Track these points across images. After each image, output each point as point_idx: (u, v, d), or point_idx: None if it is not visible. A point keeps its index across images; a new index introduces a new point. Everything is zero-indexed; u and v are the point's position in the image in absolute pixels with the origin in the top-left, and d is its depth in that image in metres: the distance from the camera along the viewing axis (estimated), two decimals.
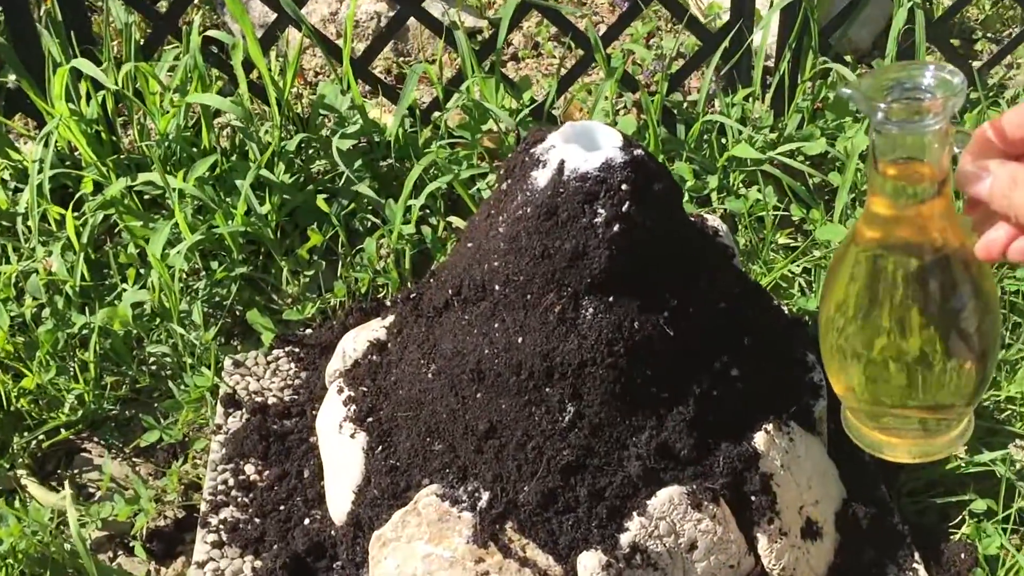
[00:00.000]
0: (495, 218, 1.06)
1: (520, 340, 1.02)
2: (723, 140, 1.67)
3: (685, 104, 1.71)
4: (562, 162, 1.01)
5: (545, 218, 1.00)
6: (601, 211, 0.99)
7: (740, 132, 1.59)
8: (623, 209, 0.99)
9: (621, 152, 1.01)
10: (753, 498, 1.03)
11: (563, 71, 1.72)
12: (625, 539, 0.99)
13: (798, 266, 1.47)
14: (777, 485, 1.05)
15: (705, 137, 1.66)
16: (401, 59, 2.10)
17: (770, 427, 1.07)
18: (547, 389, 1.02)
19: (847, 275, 0.71)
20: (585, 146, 1.02)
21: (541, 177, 1.01)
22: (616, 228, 0.99)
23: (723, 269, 1.14)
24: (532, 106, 1.66)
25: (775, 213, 1.52)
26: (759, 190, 1.53)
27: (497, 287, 1.04)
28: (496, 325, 1.04)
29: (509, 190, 1.05)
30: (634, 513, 1.00)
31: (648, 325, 1.01)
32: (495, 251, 1.04)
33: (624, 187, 0.99)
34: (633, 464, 1.01)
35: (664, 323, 1.02)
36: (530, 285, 1.02)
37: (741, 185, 1.61)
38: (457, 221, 1.58)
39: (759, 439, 1.05)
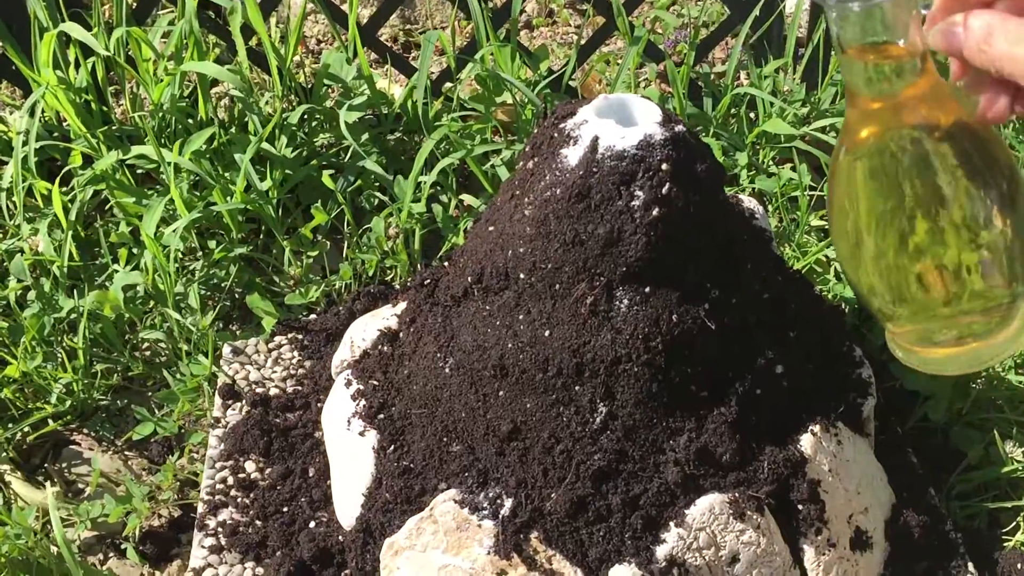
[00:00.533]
0: (520, 200, 0.96)
1: (547, 333, 0.93)
2: (752, 115, 1.57)
3: (712, 76, 1.61)
4: (595, 139, 0.91)
5: (576, 200, 0.91)
6: (639, 193, 0.90)
7: (772, 105, 1.49)
8: (663, 191, 0.90)
9: (661, 128, 0.91)
10: (800, 507, 0.95)
11: (580, 40, 1.62)
12: (661, 552, 0.91)
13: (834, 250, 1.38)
14: (825, 492, 0.96)
15: (733, 111, 1.56)
16: (407, 27, 1.99)
17: (817, 428, 0.98)
18: (577, 387, 0.93)
19: (855, 190, 0.65)
20: (620, 121, 0.93)
21: (572, 155, 0.92)
22: (655, 212, 0.90)
23: (764, 256, 1.05)
24: (549, 77, 1.56)
25: (809, 193, 1.42)
26: (792, 168, 1.44)
27: (522, 275, 0.95)
28: (521, 317, 0.95)
29: (536, 169, 0.95)
30: (671, 523, 0.92)
31: (688, 318, 0.92)
32: (520, 236, 0.95)
33: (664, 167, 0.90)
34: (671, 470, 0.92)
35: (705, 316, 0.93)
36: (559, 273, 0.93)
37: (771, 163, 1.51)
38: (469, 199, 1.49)
39: (805, 442, 0.97)
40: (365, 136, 1.53)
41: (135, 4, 1.55)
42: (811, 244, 1.41)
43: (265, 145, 1.45)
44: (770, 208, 1.45)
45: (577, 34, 1.94)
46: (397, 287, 1.38)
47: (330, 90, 1.61)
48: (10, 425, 1.25)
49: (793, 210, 1.45)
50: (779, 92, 1.55)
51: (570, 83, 1.58)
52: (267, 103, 1.57)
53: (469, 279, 1.00)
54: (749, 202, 1.21)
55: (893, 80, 0.62)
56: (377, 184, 1.52)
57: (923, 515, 1.04)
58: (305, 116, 1.55)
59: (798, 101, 1.54)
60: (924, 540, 1.03)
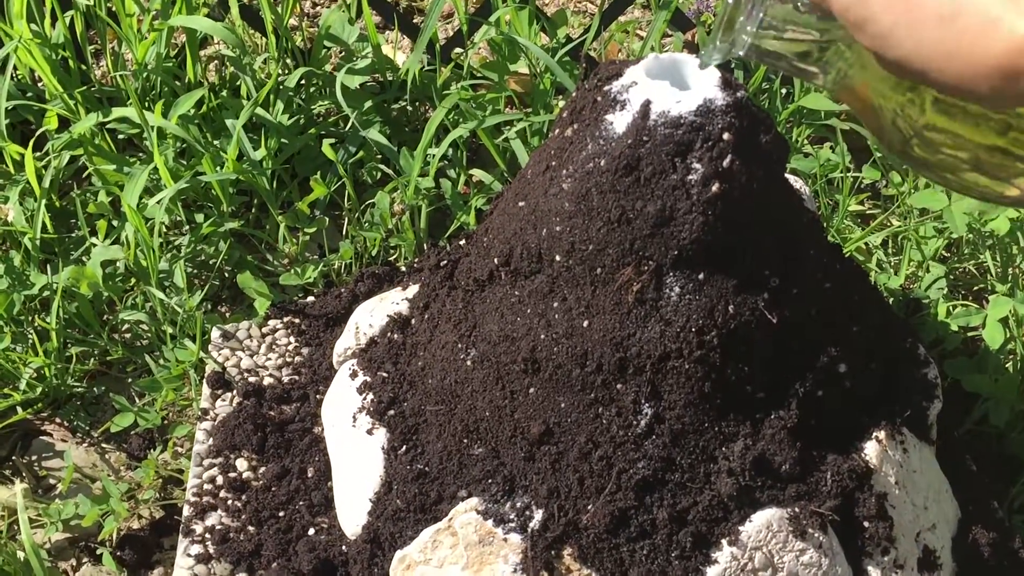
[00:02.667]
0: (556, 172, 0.85)
1: (586, 324, 0.82)
2: (784, 90, 1.46)
3: None
4: (647, 103, 0.80)
5: (624, 173, 0.80)
6: (696, 166, 0.79)
7: None
8: (724, 164, 0.79)
9: (722, 93, 0.80)
10: (867, 524, 0.84)
11: (596, 6, 1.50)
12: (712, 574, 0.80)
13: (878, 237, 1.27)
14: (892, 507, 0.86)
15: (765, 86, 1.45)
16: None
17: (882, 435, 0.88)
18: (619, 386, 0.82)
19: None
20: (674, 84, 0.82)
21: (619, 121, 0.81)
22: (714, 188, 0.78)
23: (822, 241, 0.94)
24: (568, 45, 1.44)
25: (853, 175, 1.32)
26: (832, 147, 1.33)
27: (558, 257, 0.83)
28: (556, 304, 0.84)
29: (576, 137, 0.84)
30: (724, 541, 0.81)
31: (746, 310, 0.81)
32: (557, 213, 0.83)
33: (726, 137, 0.79)
34: (724, 480, 0.81)
35: (764, 307, 0.82)
36: (601, 256, 0.81)
37: (806, 142, 1.41)
38: (480, 174, 1.37)
39: (870, 450, 0.86)
40: (368, 104, 1.41)
41: None
42: (852, 231, 1.30)
43: (259, 111, 1.33)
44: (809, 192, 1.34)
45: (593, 2, 1.82)
46: (403, 268, 1.26)
47: (331, 54, 1.48)
48: None
49: (830, 192, 1.34)
50: None
51: (590, 52, 1.47)
52: (262, 65, 1.45)
53: (495, 261, 0.89)
54: (795, 182, 1.11)
55: None
56: (380, 156, 1.40)
57: (991, 531, 0.94)
58: (303, 81, 1.43)
59: None
60: (994, 559, 0.93)
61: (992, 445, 1.10)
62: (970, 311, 1.15)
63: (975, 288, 1.28)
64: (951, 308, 1.17)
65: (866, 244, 1.29)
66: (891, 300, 1.21)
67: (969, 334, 1.17)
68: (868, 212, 1.36)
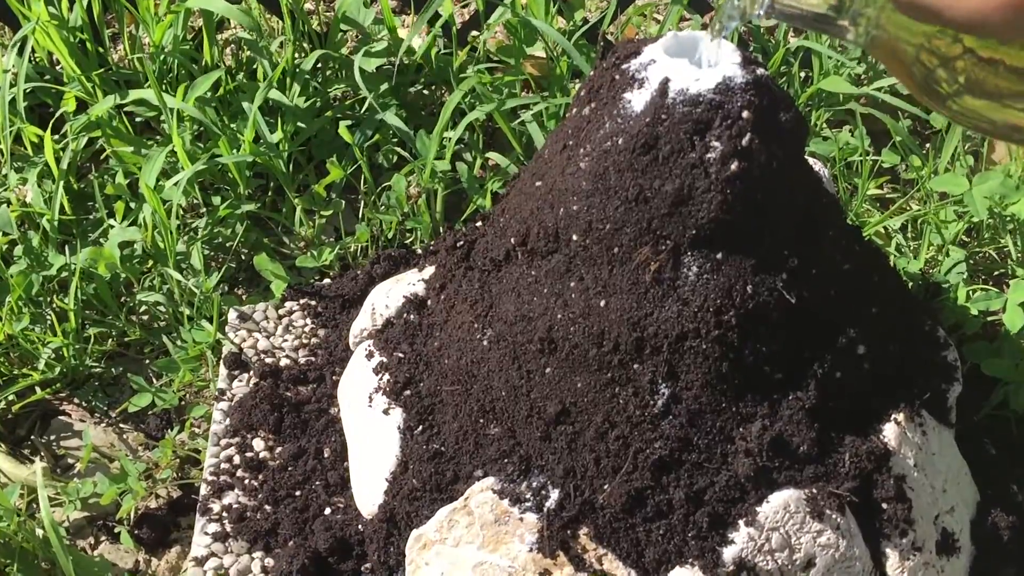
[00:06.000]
0: (574, 151, 0.84)
1: (603, 304, 0.82)
2: (803, 74, 1.45)
3: (763, 30, 1.49)
4: (665, 81, 0.79)
5: (642, 152, 0.79)
6: (715, 144, 0.78)
7: (830, 58, 1.37)
8: (743, 143, 0.78)
9: (741, 70, 0.79)
10: (885, 505, 0.84)
11: None
12: (729, 554, 0.80)
13: (897, 221, 1.26)
14: (910, 489, 0.85)
15: (783, 69, 1.44)
16: None
17: (900, 417, 0.87)
18: (636, 366, 0.81)
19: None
20: (693, 62, 0.81)
21: (637, 100, 0.80)
22: (733, 167, 0.78)
23: (842, 222, 0.93)
24: (584, 27, 1.44)
25: (872, 158, 1.31)
26: (851, 131, 1.32)
27: (575, 236, 0.83)
28: (573, 284, 0.84)
29: (593, 116, 0.83)
30: (740, 522, 0.81)
31: (764, 289, 0.81)
32: (574, 192, 0.83)
33: (745, 115, 0.78)
34: (741, 461, 0.81)
35: (783, 287, 0.81)
36: (618, 235, 0.81)
37: (825, 125, 1.40)
38: (496, 157, 1.37)
39: (889, 432, 0.86)
40: (384, 87, 1.40)
41: None
42: (871, 214, 1.29)
43: (275, 94, 1.33)
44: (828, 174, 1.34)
45: None
46: (419, 251, 1.26)
47: (347, 37, 1.48)
48: None
49: (849, 176, 1.33)
50: (834, 49, 1.43)
51: (607, 35, 1.46)
52: (278, 48, 1.45)
53: (512, 240, 0.88)
54: (815, 164, 1.10)
55: None
56: (396, 140, 1.40)
57: (1011, 515, 0.94)
58: (319, 64, 1.43)
59: (854, 60, 1.42)
60: (1013, 543, 0.93)
61: (1012, 429, 1.09)
62: (990, 295, 1.14)
63: (995, 273, 1.27)
64: (971, 292, 1.16)
65: (885, 228, 1.28)
66: (910, 284, 1.20)
67: (989, 319, 1.16)
68: (888, 196, 1.35)
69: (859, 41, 0.59)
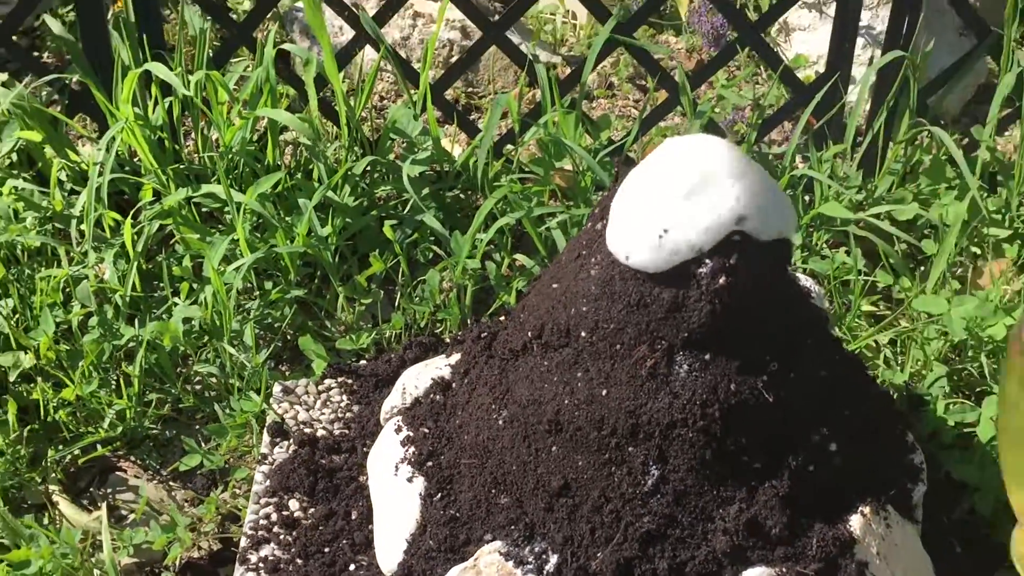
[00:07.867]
0: (586, 259, 0.98)
1: (604, 392, 0.94)
2: (806, 197, 1.59)
3: (771, 156, 1.64)
4: None
5: None
6: (707, 260, 0.91)
7: (830, 188, 1.51)
8: (731, 261, 0.92)
9: None
10: None
11: (638, 112, 1.66)
12: None
13: (885, 336, 1.38)
14: (872, 575, 0.95)
15: (789, 193, 1.58)
16: (469, 89, 2.04)
17: (867, 510, 0.98)
18: (630, 448, 0.93)
19: None
20: None
21: None
22: (722, 280, 0.91)
23: (822, 334, 1.05)
24: (610, 147, 1.59)
25: (863, 279, 1.43)
26: (847, 252, 1.45)
27: (583, 333, 0.96)
28: (579, 374, 0.96)
29: (604, 231, 0.97)
30: None
31: (746, 388, 0.93)
32: (584, 295, 0.96)
33: (735, 237, 0.92)
34: (719, 539, 0.92)
35: (763, 387, 0.94)
36: (620, 334, 0.94)
37: (825, 246, 1.53)
38: (523, 259, 1.51)
39: (855, 522, 0.96)
40: (425, 191, 1.56)
41: (213, 51, 1.61)
42: (861, 328, 1.41)
43: (328, 193, 1.49)
44: (822, 291, 1.46)
45: (636, 107, 1.98)
46: (447, 339, 1.39)
47: (394, 144, 1.65)
48: (61, 447, 1.27)
49: (845, 294, 1.45)
50: (836, 177, 1.57)
51: (628, 154, 1.61)
52: (333, 152, 1.61)
53: (529, 334, 1.01)
54: (806, 281, 1.22)
55: None
56: (433, 238, 1.54)
57: None
58: (368, 167, 1.59)
59: (854, 187, 1.56)
60: None
61: (981, 532, 1.18)
62: (965, 408, 1.25)
63: (977, 389, 1.38)
64: (950, 405, 1.27)
65: (875, 342, 1.40)
66: (895, 395, 1.31)
67: (966, 430, 1.26)
68: (880, 313, 1.47)
69: None
